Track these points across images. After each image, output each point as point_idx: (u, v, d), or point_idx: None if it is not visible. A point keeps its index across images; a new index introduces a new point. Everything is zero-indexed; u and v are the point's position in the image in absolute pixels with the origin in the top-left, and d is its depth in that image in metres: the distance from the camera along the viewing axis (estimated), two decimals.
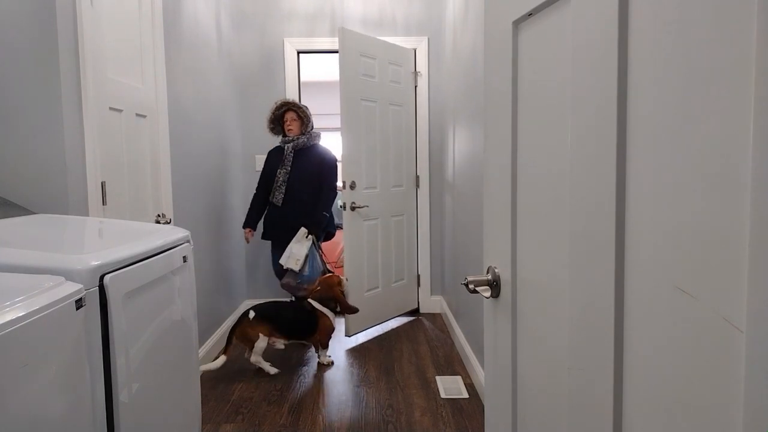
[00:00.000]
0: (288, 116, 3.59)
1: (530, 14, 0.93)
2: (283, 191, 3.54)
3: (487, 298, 1.15)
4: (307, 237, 3.45)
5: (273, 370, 3.11)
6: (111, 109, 2.16)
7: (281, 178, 3.54)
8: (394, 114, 4.04)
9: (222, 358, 2.99)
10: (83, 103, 1.93)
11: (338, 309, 3.32)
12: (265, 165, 3.70)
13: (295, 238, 3.45)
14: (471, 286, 1.13)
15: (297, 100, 3.90)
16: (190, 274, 1.68)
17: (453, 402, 2.75)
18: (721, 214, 0.49)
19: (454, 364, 3.26)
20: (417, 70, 4.20)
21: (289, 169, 3.54)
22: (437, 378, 3.04)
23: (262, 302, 3.29)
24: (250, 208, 3.71)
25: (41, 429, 0.96)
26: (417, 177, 4.29)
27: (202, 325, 3.19)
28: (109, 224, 1.71)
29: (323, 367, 3.24)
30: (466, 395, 2.82)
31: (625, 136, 0.66)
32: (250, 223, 3.69)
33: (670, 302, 0.57)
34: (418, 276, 4.36)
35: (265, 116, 3.75)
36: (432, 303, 4.37)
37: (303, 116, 3.59)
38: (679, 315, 0.56)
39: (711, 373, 0.51)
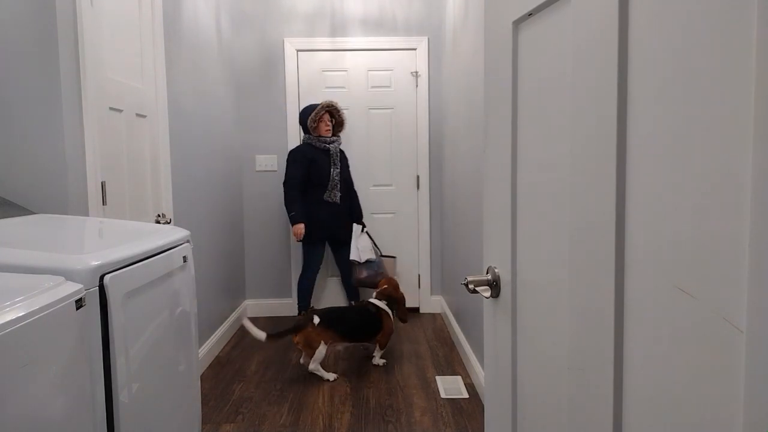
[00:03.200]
0: (326, 117, 3.76)
1: (530, 14, 0.93)
2: (339, 189, 3.78)
3: (487, 298, 1.15)
4: (363, 230, 3.88)
5: (332, 377, 3.02)
6: (111, 109, 2.16)
7: (336, 177, 3.75)
8: (376, 117, 4.27)
9: (263, 336, 2.89)
10: (83, 103, 1.93)
11: (395, 312, 3.33)
12: (298, 164, 3.68)
13: (354, 235, 3.83)
14: (471, 286, 1.13)
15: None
16: (190, 274, 1.68)
17: (453, 402, 2.75)
18: (721, 213, 0.49)
19: (454, 364, 3.26)
20: (416, 70, 4.21)
21: (339, 168, 3.79)
22: (437, 378, 3.05)
23: (325, 307, 3.20)
24: (298, 206, 3.68)
25: (41, 429, 0.97)
26: (417, 177, 4.29)
27: (202, 325, 3.19)
28: (109, 224, 1.71)
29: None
30: (466, 395, 2.82)
31: (625, 135, 0.66)
32: (302, 219, 3.69)
33: (670, 302, 0.57)
34: (419, 276, 4.36)
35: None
36: (432, 303, 4.37)
37: (341, 119, 3.86)
38: (679, 315, 0.56)
39: (711, 373, 0.51)
